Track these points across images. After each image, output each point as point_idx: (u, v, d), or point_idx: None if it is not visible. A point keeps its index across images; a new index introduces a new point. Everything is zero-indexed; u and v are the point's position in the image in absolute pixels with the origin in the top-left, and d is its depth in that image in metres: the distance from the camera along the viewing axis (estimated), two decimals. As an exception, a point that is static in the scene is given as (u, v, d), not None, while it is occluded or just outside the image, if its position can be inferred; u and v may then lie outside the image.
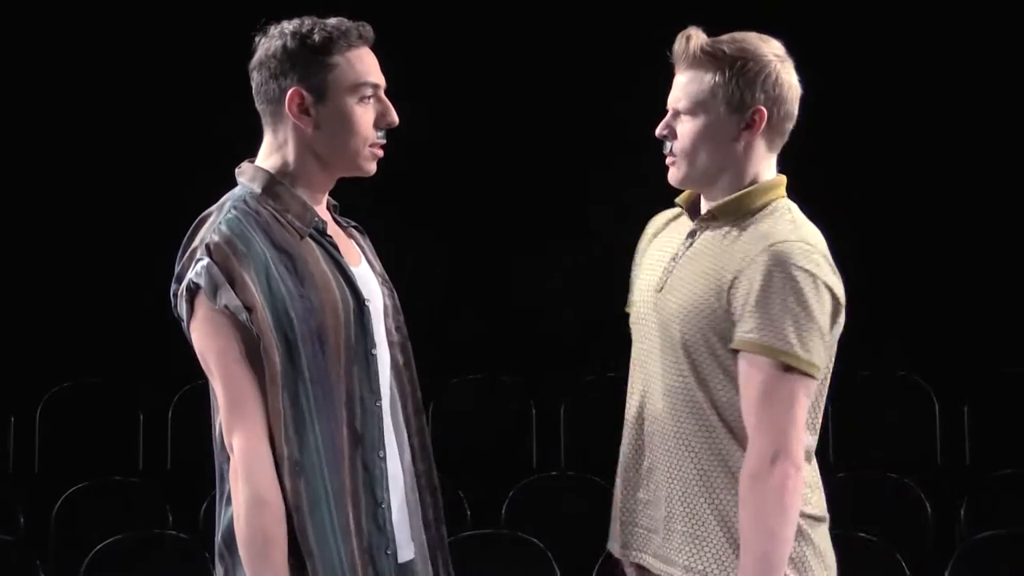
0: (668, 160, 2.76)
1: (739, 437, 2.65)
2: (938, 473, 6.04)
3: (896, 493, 5.53)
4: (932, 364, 6.39)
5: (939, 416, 6.20)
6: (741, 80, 2.66)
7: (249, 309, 2.52)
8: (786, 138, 2.75)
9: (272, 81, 2.62)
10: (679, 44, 2.70)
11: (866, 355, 6.00)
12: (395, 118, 2.67)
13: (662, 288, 2.75)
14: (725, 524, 2.66)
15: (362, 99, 2.64)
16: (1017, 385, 6.28)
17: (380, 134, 2.66)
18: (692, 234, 2.76)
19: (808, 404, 2.62)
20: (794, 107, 2.72)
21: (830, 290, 2.62)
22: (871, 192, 6.41)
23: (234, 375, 2.53)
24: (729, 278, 2.64)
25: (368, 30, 2.66)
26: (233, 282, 2.53)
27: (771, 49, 2.70)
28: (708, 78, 2.68)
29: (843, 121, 6.30)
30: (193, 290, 2.55)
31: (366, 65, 2.65)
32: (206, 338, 2.55)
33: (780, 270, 2.59)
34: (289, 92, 2.61)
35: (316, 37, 2.61)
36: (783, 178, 2.76)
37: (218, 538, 2.61)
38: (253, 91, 2.66)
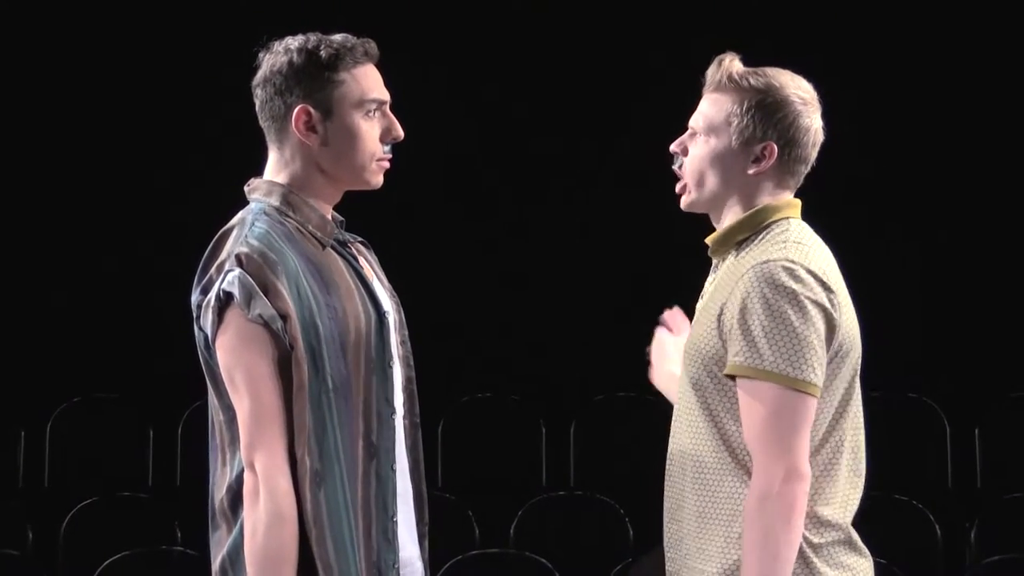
0: (678, 187, 2.76)
1: (747, 469, 2.62)
2: (948, 496, 6.03)
3: (906, 516, 5.52)
4: (943, 386, 6.37)
5: (950, 439, 6.18)
6: (757, 114, 2.66)
7: (284, 318, 2.51)
8: (799, 181, 2.74)
9: (278, 97, 2.62)
10: (712, 67, 2.72)
11: (877, 377, 5.97)
12: (400, 132, 2.67)
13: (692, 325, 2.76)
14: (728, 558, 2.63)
15: (367, 114, 2.64)
16: (1028, 408, 6.27)
17: (386, 148, 2.67)
18: (715, 269, 2.77)
19: (809, 421, 2.57)
20: (810, 152, 2.71)
21: (818, 305, 2.59)
22: (878, 213, 6.40)
23: (262, 391, 2.51)
24: (719, 307, 2.64)
25: (373, 47, 2.65)
26: (267, 291, 2.51)
27: (797, 89, 2.69)
28: (727, 105, 2.68)
29: (850, 138, 6.29)
30: (224, 300, 2.53)
31: (372, 81, 2.64)
32: (235, 351, 2.52)
33: (758, 291, 2.57)
34: (296, 109, 2.61)
35: (323, 53, 2.60)
36: (791, 200, 2.74)
37: (223, 554, 2.59)
38: (257, 108, 2.66)
